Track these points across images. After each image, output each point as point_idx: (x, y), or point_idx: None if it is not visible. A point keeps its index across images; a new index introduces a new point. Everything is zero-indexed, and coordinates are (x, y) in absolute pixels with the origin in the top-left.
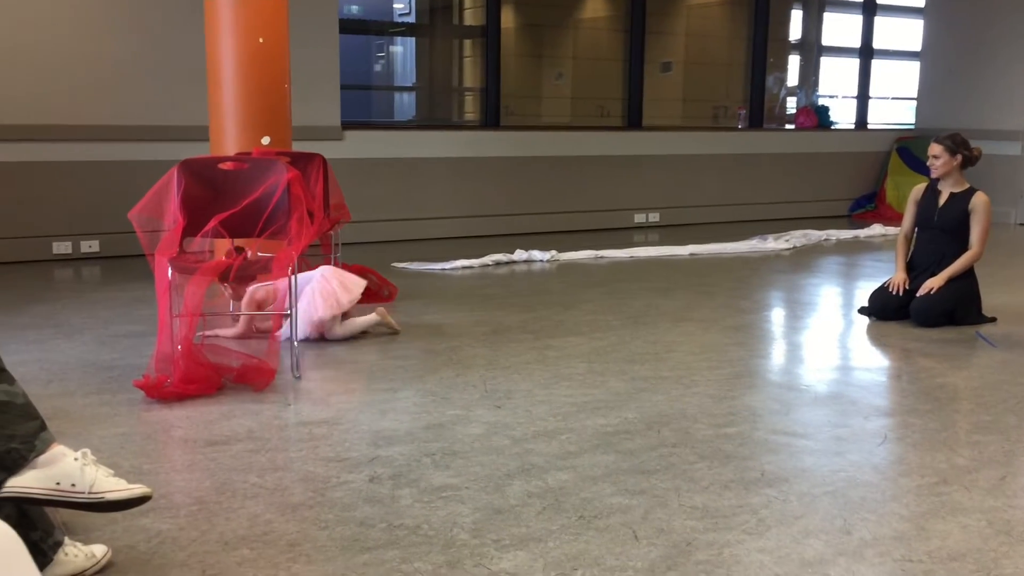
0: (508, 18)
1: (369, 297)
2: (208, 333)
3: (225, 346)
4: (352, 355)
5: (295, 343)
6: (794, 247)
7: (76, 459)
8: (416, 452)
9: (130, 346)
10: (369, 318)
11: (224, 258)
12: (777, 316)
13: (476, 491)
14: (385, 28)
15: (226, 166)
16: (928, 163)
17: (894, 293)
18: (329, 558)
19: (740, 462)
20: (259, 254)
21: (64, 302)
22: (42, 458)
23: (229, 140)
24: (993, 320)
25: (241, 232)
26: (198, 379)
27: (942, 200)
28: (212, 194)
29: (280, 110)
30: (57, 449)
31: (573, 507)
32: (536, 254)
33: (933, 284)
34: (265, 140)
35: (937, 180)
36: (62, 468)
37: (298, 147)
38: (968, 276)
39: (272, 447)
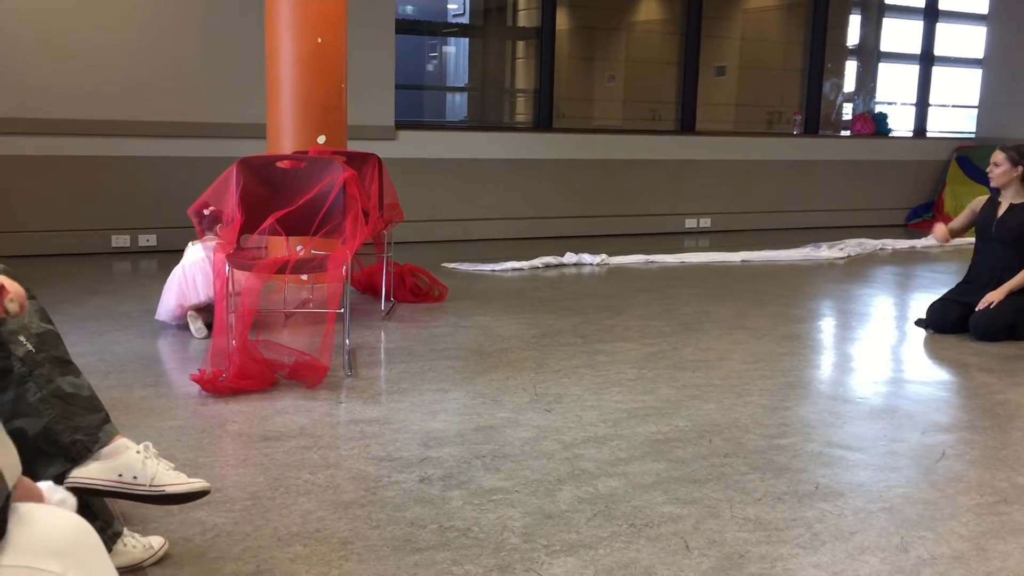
0: (562, 20)
1: (420, 297)
2: None
3: (279, 343)
4: (403, 355)
5: (347, 341)
6: (848, 256)
7: (138, 452)
8: (466, 454)
9: (187, 340)
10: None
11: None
12: (830, 326)
13: (526, 495)
14: (439, 29)
15: (284, 164)
16: (988, 170)
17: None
18: (380, 557)
19: (793, 474)
20: (313, 252)
21: (122, 295)
22: (105, 450)
23: (286, 138)
24: None
25: (297, 230)
26: (252, 375)
27: (1001, 211)
28: (269, 192)
29: (336, 109)
30: (120, 442)
31: (624, 515)
32: (586, 257)
33: (993, 298)
34: (321, 139)
35: (998, 191)
36: (125, 460)
37: (352, 145)
38: None
39: (324, 444)
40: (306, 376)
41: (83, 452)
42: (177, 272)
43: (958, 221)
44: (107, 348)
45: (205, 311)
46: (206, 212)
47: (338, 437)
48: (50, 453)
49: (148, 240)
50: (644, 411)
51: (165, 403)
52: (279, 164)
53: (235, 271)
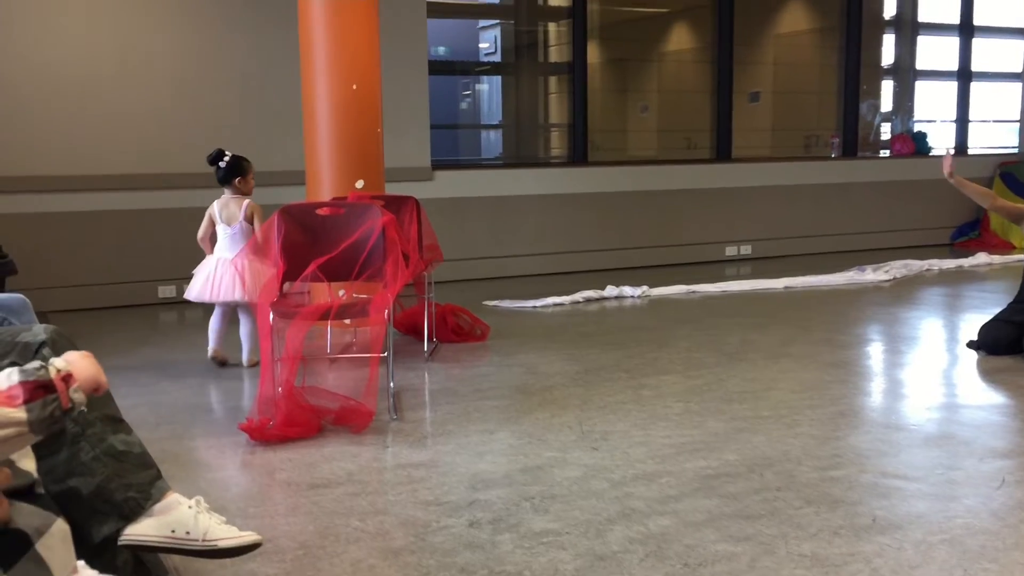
0: (593, 53)
1: (462, 336)
2: None
3: (324, 388)
4: (447, 396)
5: (392, 384)
6: (894, 278)
7: (190, 507)
8: (515, 496)
9: (233, 389)
10: None
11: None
12: (879, 351)
13: (577, 536)
14: (471, 68)
15: (324, 211)
16: None
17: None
18: None
19: (849, 507)
20: (355, 296)
21: (170, 344)
22: (158, 506)
23: (325, 184)
24: None
25: (338, 276)
26: (299, 422)
27: None
28: (311, 239)
29: (373, 154)
30: (172, 497)
31: (676, 554)
32: (627, 290)
33: None
34: (359, 184)
35: None
36: (177, 516)
37: (390, 188)
38: None
39: (372, 490)
40: (352, 421)
41: (136, 509)
42: (209, 263)
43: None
44: (157, 399)
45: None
46: (222, 164)
47: (386, 482)
48: (104, 512)
49: None
50: (692, 446)
51: (215, 453)
52: (319, 211)
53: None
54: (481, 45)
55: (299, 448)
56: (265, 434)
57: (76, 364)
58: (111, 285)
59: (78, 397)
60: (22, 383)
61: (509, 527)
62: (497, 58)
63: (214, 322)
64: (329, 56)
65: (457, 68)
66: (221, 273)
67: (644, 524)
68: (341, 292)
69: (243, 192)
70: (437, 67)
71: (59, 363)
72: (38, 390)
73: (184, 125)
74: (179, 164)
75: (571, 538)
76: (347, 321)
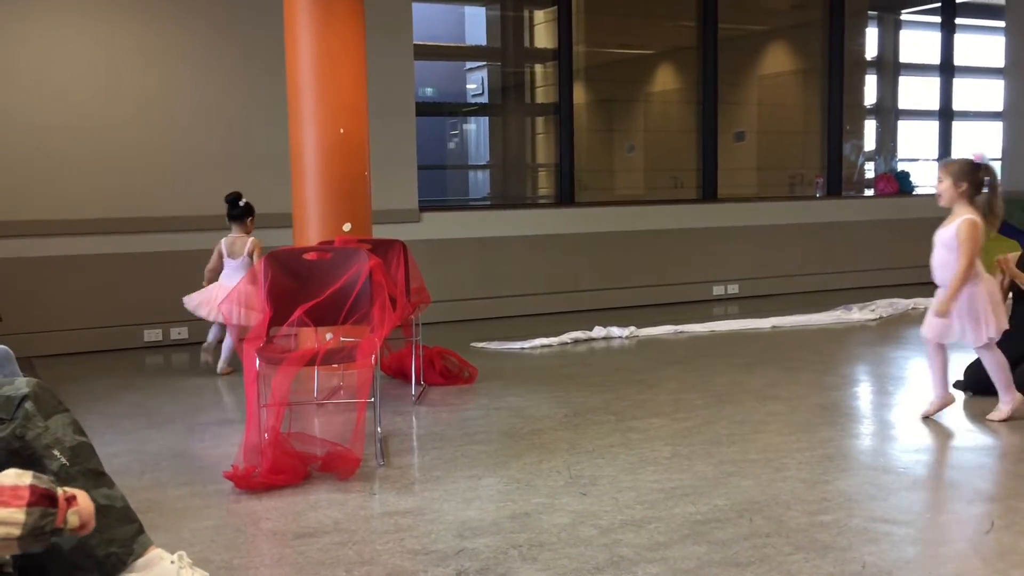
0: (579, 94)
1: (450, 379)
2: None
3: (311, 434)
4: (435, 441)
5: (379, 429)
6: (880, 317)
7: (172, 562)
8: (503, 544)
9: (219, 435)
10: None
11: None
12: (867, 392)
13: None
14: (459, 109)
15: (310, 256)
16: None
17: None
18: None
19: (839, 553)
20: (342, 340)
21: (155, 390)
22: (140, 561)
23: (312, 228)
24: None
25: (325, 320)
26: (285, 469)
27: None
28: (297, 284)
29: (360, 197)
30: (154, 552)
31: None
32: (615, 330)
33: None
34: (346, 227)
35: None
36: (159, 572)
37: (377, 230)
38: None
39: (359, 539)
40: (339, 467)
41: (118, 565)
42: (213, 288)
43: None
44: (141, 447)
45: (215, 348)
46: (240, 203)
47: (373, 531)
48: (85, 568)
49: (180, 333)
50: (681, 490)
51: (199, 502)
52: (306, 256)
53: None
54: (468, 86)
55: (285, 496)
56: (251, 482)
57: (80, 494)
58: (96, 329)
59: (73, 520)
60: (32, 486)
61: None
62: (484, 99)
63: (214, 332)
64: (317, 99)
65: (445, 109)
66: (221, 296)
67: (633, 572)
68: (328, 336)
69: (248, 231)
70: (424, 108)
71: (68, 489)
72: (44, 498)
73: (169, 169)
74: (165, 208)
75: None
76: (335, 365)
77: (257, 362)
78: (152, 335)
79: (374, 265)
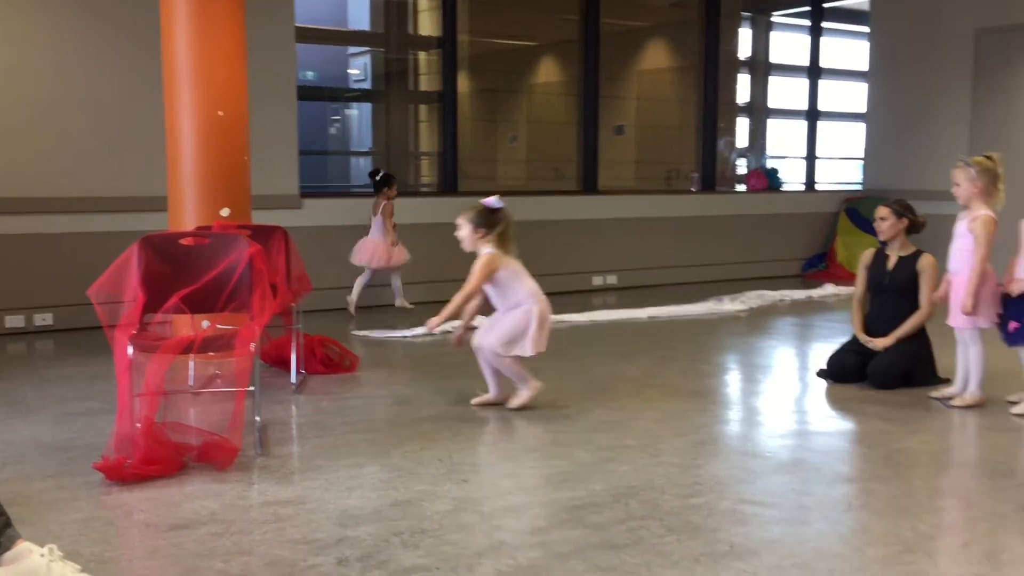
0: (463, 83)
1: (331, 368)
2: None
3: (186, 423)
4: (315, 430)
5: (258, 418)
6: (750, 308)
7: (42, 555)
8: (384, 531)
9: (88, 425)
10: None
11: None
12: (737, 380)
13: (446, 572)
14: (341, 94)
15: (187, 242)
16: (875, 225)
17: (866, 351)
18: None
19: (709, 534)
20: (218, 327)
21: (18, 379)
22: (8, 555)
23: (188, 213)
24: (948, 381)
25: (203, 308)
26: (159, 459)
27: (891, 264)
28: (173, 270)
29: (239, 182)
30: (23, 546)
31: None
32: None
33: (880, 344)
34: (224, 212)
35: (885, 244)
36: (29, 566)
37: (257, 216)
38: (921, 337)
39: (237, 530)
40: (216, 458)
41: None
42: (365, 241)
43: (859, 285)
44: (4, 437)
45: None
46: (377, 178)
47: (251, 521)
48: None
49: (44, 319)
50: (560, 476)
51: (67, 495)
52: (182, 242)
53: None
54: (351, 72)
55: (159, 487)
56: (122, 473)
57: None
58: None
59: None
60: None
61: (378, 564)
62: (367, 85)
63: (362, 280)
64: (193, 80)
65: (326, 94)
66: (373, 247)
67: (514, 557)
68: (205, 324)
69: (387, 198)
70: (306, 93)
71: None
72: None
73: (35, 147)
74: (27, 188)
75: (441, 573)
76: (211, 353)
77: (130, 350)
78: (14, 321)
79: (254, 252)
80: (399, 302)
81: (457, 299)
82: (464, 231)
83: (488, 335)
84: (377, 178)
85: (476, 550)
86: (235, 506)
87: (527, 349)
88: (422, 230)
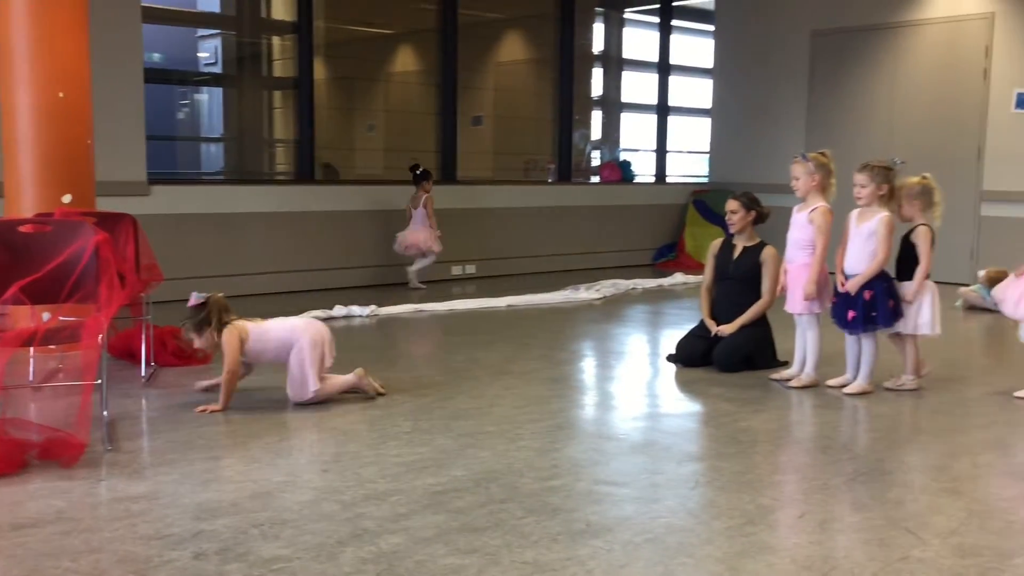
0: (319, 70)
1: (184, 360)
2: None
3: (27, 419)
4: (168, 423)
5: (106, 412)
6: (604, 296)
7: None
8: (243, 523)
9: None
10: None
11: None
12: (592, 366)
13: (308, 561)
14: (189, 77)
15: (26, 229)
16: (727, 218)
17: (712, 335)
18: None
19: (566, 514)
20: (61, 319)
21: None
22: None
23: (27, 199)
24: (786, 364)
25: (45, 298)
26: None
27: (736, 253)
28: (11, 259)
29: (83, 167)
30: None
31: (407, 571)
32: (356, 309)
33: (724, 331)
34: (66, 198)
35: (732, 235)
36: None
37: (102, 203)
38: (763, 323)
39: (86, 527)
40: (61, 454)
41: None
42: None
43: (708, 274)
44: None
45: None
46: (418, 172)
47: (100, 518)
48: None
49: None
50: (422, 463)
51: None
52: (21, 229)
53: None
54: (200, 55)
55: (0, 486)
56: None
57: None
58: None
59: None
60: None
61: (237, 556)
62: (218, 69)
63: (423, 262)
64: (32, 59)
65: (174, 77)
66: (412, 237)
67: (375, 543)
68: (46, 316)
69: (425, 191)
70: (153, 75)
71: None
72: None
73: None
74: None
75: (302, 563)
76: (52, 347)
77: None
78: None
79: (101, 240)
80: (413, 283)
81: (227, 382)
82: (201, 342)
83: (289, 389)
84: (417, 172)
85: (338, 539)
86: (83, 503)
87: (313, 383)
88: (279, 218)
